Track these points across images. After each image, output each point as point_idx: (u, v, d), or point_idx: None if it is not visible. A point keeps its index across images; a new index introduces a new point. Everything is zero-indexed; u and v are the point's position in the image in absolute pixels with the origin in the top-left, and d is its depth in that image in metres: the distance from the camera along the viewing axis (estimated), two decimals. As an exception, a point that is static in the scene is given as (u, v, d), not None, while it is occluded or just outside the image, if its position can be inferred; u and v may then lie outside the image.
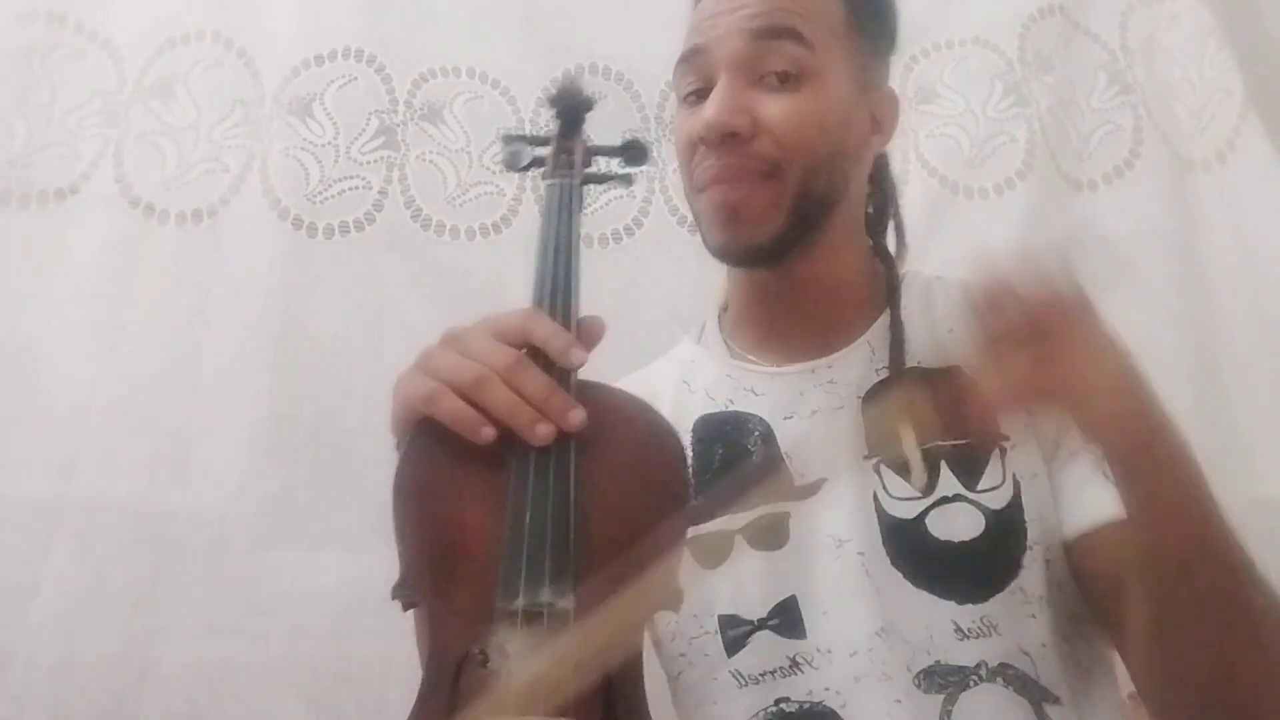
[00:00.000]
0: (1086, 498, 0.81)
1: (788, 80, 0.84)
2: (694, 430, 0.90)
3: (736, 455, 0.88)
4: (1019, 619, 0.78)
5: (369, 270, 1.31)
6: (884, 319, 0.90)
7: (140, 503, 1.22)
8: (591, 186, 0.89)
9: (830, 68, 0.85)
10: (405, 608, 0.71)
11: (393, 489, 0.71)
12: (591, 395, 0.72)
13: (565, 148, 0.88)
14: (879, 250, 0.95)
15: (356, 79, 1.34)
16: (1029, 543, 0.80)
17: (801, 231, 0.86)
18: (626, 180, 0.93)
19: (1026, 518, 0.81)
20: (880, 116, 0.91)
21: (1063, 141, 1.40)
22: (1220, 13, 1.41)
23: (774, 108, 0.83)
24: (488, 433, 0.67)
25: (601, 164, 0.91)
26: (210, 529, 1.22)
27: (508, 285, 1.31)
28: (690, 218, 1.37)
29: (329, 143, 1.33)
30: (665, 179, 1.38)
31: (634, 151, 0.91)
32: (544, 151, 0.89)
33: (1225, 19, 1.41)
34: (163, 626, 1.19)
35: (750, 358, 0.93)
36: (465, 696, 0.64)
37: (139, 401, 1.24)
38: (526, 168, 0.91)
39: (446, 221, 1.33)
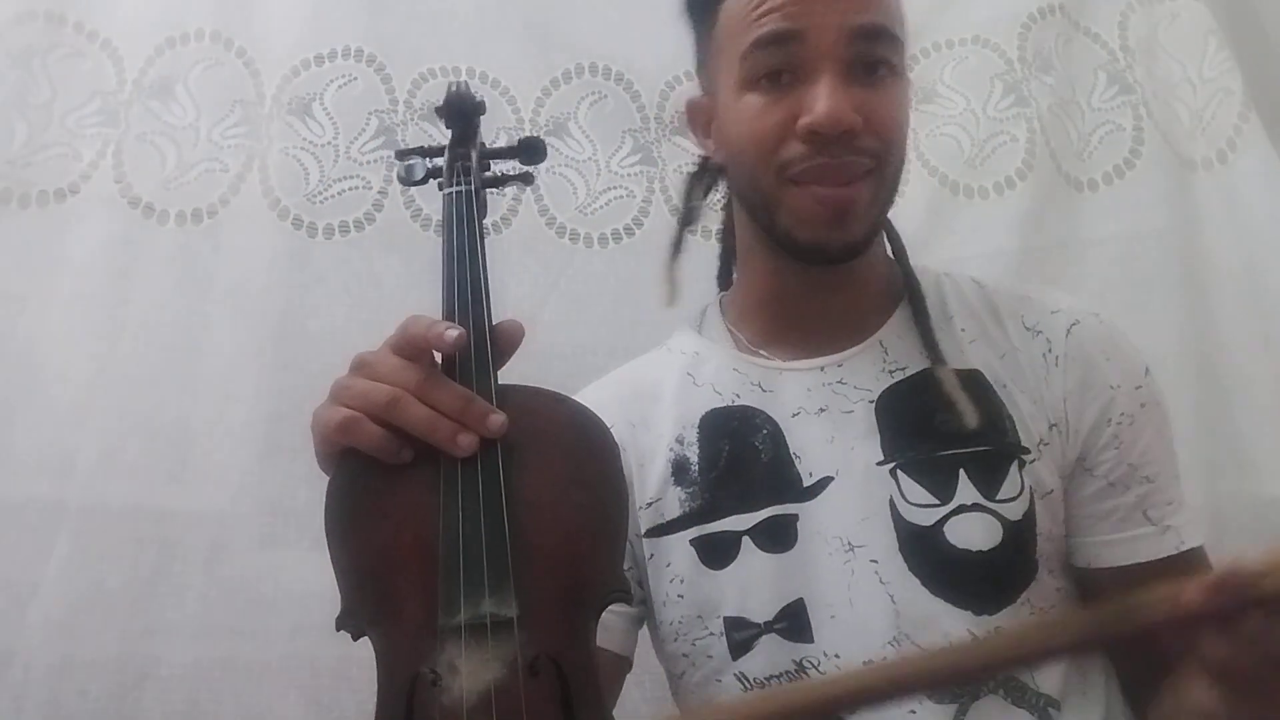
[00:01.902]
0: (1128, 534, 0.83)
1: (878, 75, 0.83)
2: (700, 426, 0.89)
3: (744, 453, 0.86)
4: None
5: (369, 270, 1.31)
6: (896, 318, 0.90)
7: (140, 503, 1.22)
8: (492, 191, 0.87)
9: (905, 62, 0.86)
10: (355, 638, 0.70)
11: (324, 523, 0.70)
12: (515, 398, 0.70)
13: (460, 155, 0.85)
14: (894, 244, 0.94)
15: (356, 79, 1.34)
16: (1037, 555, 0.81)
17: (879, 227, 0.88)
18: (527, 179, 0.89)
19: (1037, 531, 0.81)
20: (908, 104, 0.91)
21: (1063, 141, 1.40)
22: (1220, 12, 1.41)
23: (877, 104, 0.82)
24: (406, 454, 0.67)
25: (499, 167, 0.88)
26: (210, 529, 1.22)
27: (507, 284, 1.31)
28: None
29: (329, 143, 1.33)
30: (665, 179, 1.37)
31: (530, 150, 0.88)
32: (440, 161, 0.86)
33: (1225, 18, 1.41)
34: (163, 626, 1.19)
35: (761, 352, 0.92)
36: (420, 718, 0.64)
37: (139, 401, 1.24)
38: (422, 180, 0.87)
39: (446, 221, 1.33)
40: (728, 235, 1.00)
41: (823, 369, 0.88)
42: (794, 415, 0.87)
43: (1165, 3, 1.43)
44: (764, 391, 0.89)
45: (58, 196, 1.30)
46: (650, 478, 0.89)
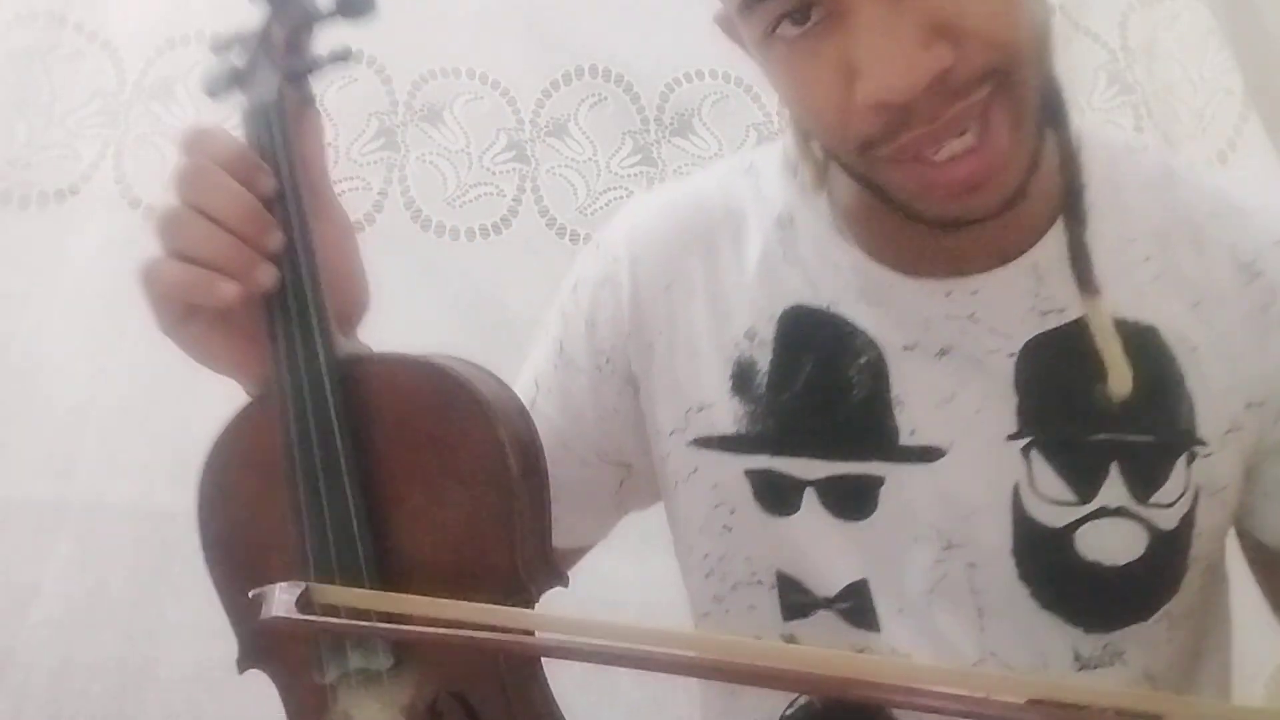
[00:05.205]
0: None
1: None
2: (781, 322, 0.68)
3: (831, 379, 0.66)
4: (1154, 644, 0.66)
5: (368, 270, 1.31)
6: (1057, 232, 0.64)
7: (140, 503, 1.22)
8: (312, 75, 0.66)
9: None
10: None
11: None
12: (363, 369, 0.60)
13: (266, 41, 0.63)
14: (1061, 141, 0.65)
15: (356, 80, 1.34)
16: (1190, 559, 0.66)
17: (1039, 154, 0.61)
18: (343, 55, 0.66)
19: (1195, 533, 0.65)
20: None
21: (1063, 141, 1.40)
22: (1221, 12, 1.41)
23: (959, 5, 0.54)
24: (226, 289, 0.58)
25: (318, 42, 0.66)
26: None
27: (508, 285, 1.31)
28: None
29: (328, 144, 1.31)
30: (665, 179, 1.37)
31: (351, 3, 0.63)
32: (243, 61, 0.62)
33: (1225, 19, 1.41)
34: (163, 627, 1.19)
35: (869, 255, 0.67)
36: None
37: (139, 401, 1.24)
38: (225, 90, 0.65)
39: (446, 222, 1.33)
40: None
41: (949, 293, 0.64)
42: (905, 348, 0.65)
43: (1166, 3, 1.42)
44: (869, 306, 0.66)
45: (58, 197, 1.31)
46: (705, 371, 0.69)
